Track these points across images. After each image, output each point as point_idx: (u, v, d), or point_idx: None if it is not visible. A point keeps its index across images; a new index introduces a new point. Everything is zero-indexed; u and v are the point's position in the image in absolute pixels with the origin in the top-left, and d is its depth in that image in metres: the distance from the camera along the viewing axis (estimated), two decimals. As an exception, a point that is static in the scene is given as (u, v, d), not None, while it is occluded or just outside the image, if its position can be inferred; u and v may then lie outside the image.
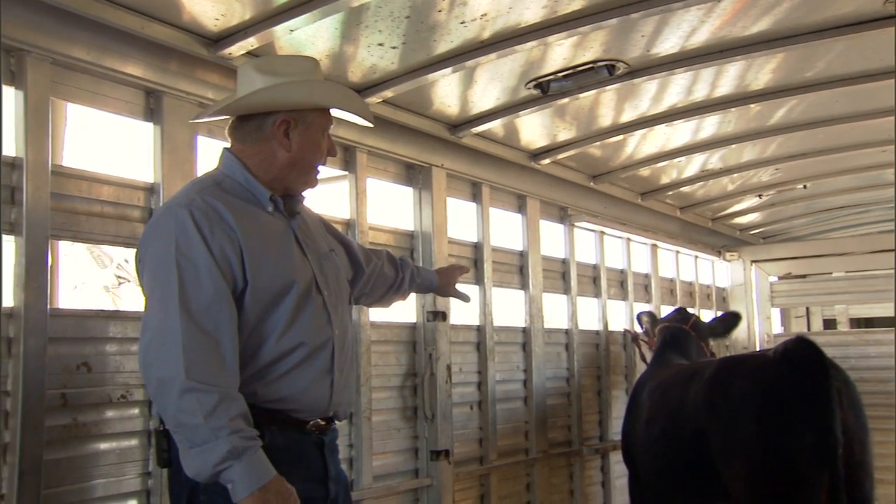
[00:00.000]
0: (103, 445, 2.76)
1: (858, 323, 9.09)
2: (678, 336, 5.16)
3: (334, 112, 2.43)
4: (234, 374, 2.06)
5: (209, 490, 2.03)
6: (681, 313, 5.41)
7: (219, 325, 2.06)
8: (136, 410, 2.86)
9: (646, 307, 6.23)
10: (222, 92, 3.18)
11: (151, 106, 3.00)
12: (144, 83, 2.94)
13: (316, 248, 2.41)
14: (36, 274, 2.55)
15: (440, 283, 3.12)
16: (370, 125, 2.69)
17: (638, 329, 5.83)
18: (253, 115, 2.30)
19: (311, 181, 2.41)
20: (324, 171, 4.15)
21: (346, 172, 3.90)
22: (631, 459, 4.76)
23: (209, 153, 3.25)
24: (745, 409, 3.87)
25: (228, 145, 2.37)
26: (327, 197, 4.28)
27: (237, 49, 3.06)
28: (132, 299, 5.80)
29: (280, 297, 2.19)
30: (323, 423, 2.31)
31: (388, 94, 3.68)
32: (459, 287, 3.23)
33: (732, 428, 3.88)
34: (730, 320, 5.57)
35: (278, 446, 2.08)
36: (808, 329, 8.61)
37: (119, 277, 5.64)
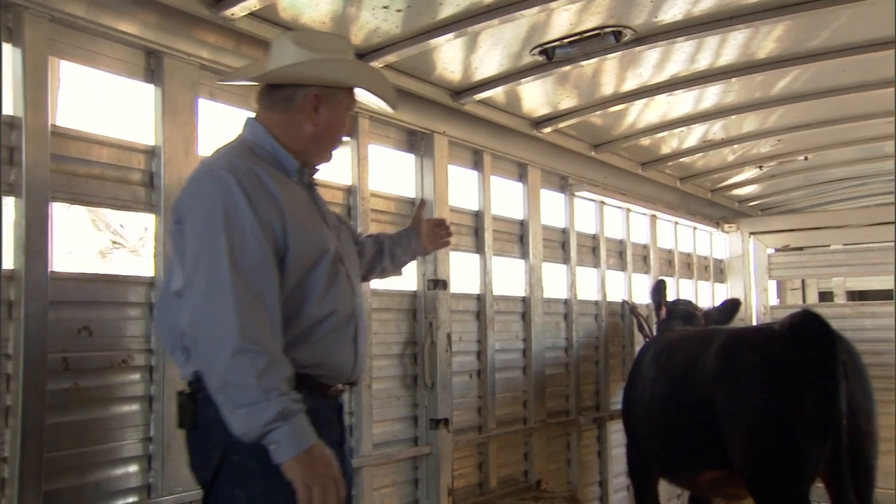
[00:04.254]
0: (104, 410, 2.75)
1: (854, 295, 9.12)
2: (688, 314, 5.37)
3: (359, 95, 2.45)
4: (279, 338, 2.09)
5: (242, 451, 2.06)
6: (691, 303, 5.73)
7: (266, 289, 2.08)
8: (137, 375, 2.85)
9: (644, 278, 6.24)
10: (224, 54, 3.14)
11: (152, 67, 2.95)
12: (145, 43, 2.88)
13: (332, 221, 2.45)
14: (36, 236, 2.51)
15: (425, 249, 3.05)
16: (392, 111, 2.74)
17: (638, 300, 5.86)
18: (285, 85, 2.32)
19: (329, 156, 2.46)
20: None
21: (347, 138, 3.86)
22: (632, 423, 4.80)
23: (210, 116, 3.22)
24: (751, 381, 3.90)
25: (253, 115, 2.39)
26: (330, 163, 4.24)
27: (239, 10, 3.00)
28: (126, 264, 5.77)
29: (316, 265, 2.23)
30: (342, 388, 2.36)
31: (391, 58, 3.62)
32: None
33: (738, 399, 3.92)
34: (731, 309, 5.69)
35: (308, 410, 2.08)
36: (804, 301, 8.64)
37: (115, 242, 5.59)
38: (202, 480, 2.22)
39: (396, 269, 3.01)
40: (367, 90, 2.44)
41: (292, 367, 2.08)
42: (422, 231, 3.00)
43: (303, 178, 2.35)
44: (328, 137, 2.39)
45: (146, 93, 2.98)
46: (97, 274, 2.88)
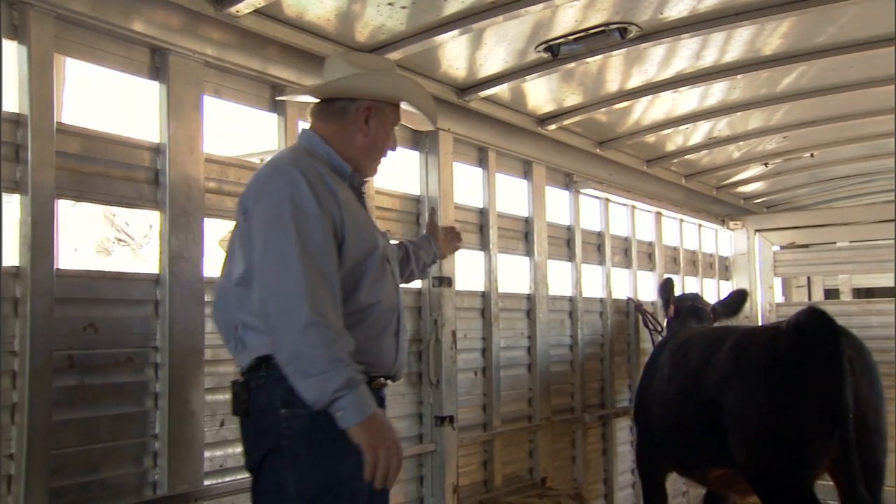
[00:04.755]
0: (110, 407, 2.75)
1: (860, 293, 9.09)
2: (698, 310, 5.41)
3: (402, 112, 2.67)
4: (341, 315, 2.25)
5: (291, 437, 2.26)
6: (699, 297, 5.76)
7: (329, 270, 2.25)
8: (143, 372, 2.85)
9: (650, 275, 6.23)
10: (229, 51, 3.14)
11: (157, 64, 2.95)
12: (150, 40, 2.88)
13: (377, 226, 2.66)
14: (42, 233, 2.51)
15: (442, 253, 3.34)
16: (432, 128, 2.97)
17: (644, 298, 5.85)
18: (338, 99, 2.54)
19: (376, 168, 2.68)
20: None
21: (392, 152, 3.84)
22: (644, 418, 4.81)
23: (215, 113, 3.22)
24: (757, 379, 3.91)
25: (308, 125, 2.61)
26: (375, 175, 4.24)
27: (244, 7, 3.00)
28: (132, 261, 5.78)
29: (366, 258, 2.41)
30: (383, 381, 2.53)
31: (396, 55, 3.61)
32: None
33: (744, 396, 3.92)
34: (738, 300, 5.73)
35: None
36: (810, 299, 8.61)
37: (120, 240, 5.60)
38: (251, 465, 2.38)
39: (422, 273, 3.25)
40: (413, 105, 2.65)
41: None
42: (438, 236, 3.25)
43: (354, 181, 2.53)
44: (377, 148, 2.60)
45: (151, 90, 2.98)
46: (103, 271, 2.88)
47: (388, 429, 2.20)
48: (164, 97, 2.94)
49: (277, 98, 3.30)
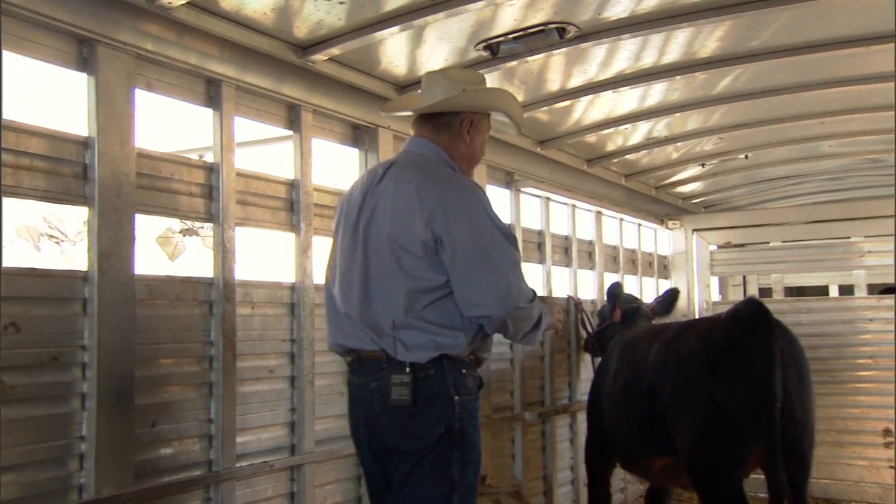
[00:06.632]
0: (34, 409, 2.66)
1: (792, 291, 9.33)
2: (644, 311, 5.57)
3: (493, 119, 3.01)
4: None
5: (463, 420, 2.67)
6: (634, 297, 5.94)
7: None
8: (68, 373, 2.77)
9: (590, 274, 6.29)
10: (161, 43, 3.06)
11: (84, 55, 2.86)
12: (77, 30, 2.79)
13: None
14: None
15: None
16: (517, 133, 3.28)
17: (585, 296, 5.91)
18: (444, 113, 2.87)
19: (471, 172, 3.02)
20: (267, 131, 4.09)
21: (290, 132, 3.80)
22: (594, 413, 4.88)
23: (146, 106, 3.14)
24: (693, 366, 4.02)
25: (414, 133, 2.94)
26: (271, 157, 4.19)
27: (175, -1, 2.93)
28: (60, 258, 5.61)
29: None
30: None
31: (335, 51, 3.58)
32: None
33: (680, 384, 4.03)
34: (671, 298, 5.84)
35: (480, 385, 2.81)
36: (745, 297, 8.79)
37: (51, 236, 5.43)
38: (414, 448, 2.66)
39: None
40: (507, 114, 2.98)
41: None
42: None
43: None
44: (474, 155, 2.95)
45: (80, 82, 2.89)
46: (27, 268, 2.77)
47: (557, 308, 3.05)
48: (92, 90, 2.86)
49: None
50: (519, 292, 2.66)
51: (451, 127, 2.86)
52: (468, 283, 2.62)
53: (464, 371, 2.71)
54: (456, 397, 2.67)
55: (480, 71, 3.96)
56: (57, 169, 2.77)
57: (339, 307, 2.84)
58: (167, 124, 4.32)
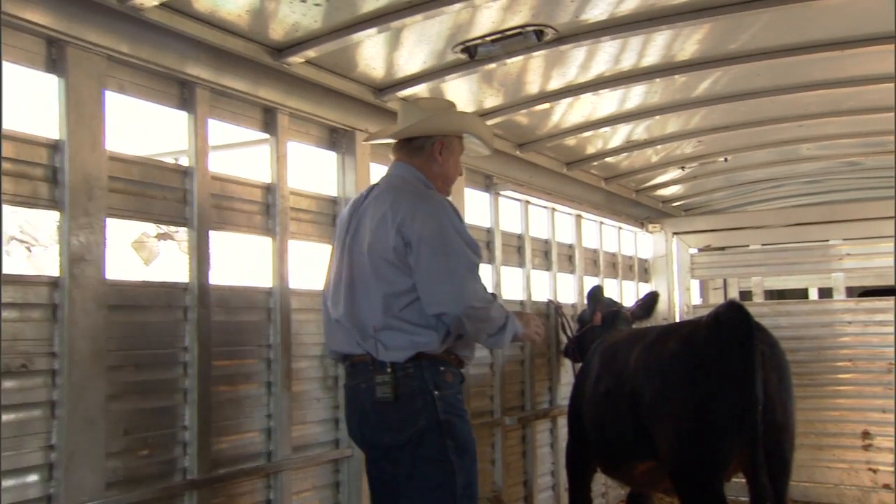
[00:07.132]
0: (2, 417, 2.60)
1: (773, 295, 9.37)
2: (624, 315, 5.57)
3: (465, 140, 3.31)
4: None
5: (449, 412, 2.95)
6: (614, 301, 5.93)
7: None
8: (37, 380, 2.71)
9: (570, 278, 6.28)
10: (133, 44, 3.02)
11: (53, 56, 2.81)
12: (46, 31, 2.74)
13: None
14: (-76, 234, 2.37)
15: None
16: (488, 153, 3.59)
17: (565, 300, 5.89)
18: (416, 137, 3.19)
19: (448, 191, 3.30)
20: (243, 134, 4.05)
21: (266, 135, 3.76)
22: (576, 418, 4.86)
23: (120, 110, 3.10)
24: (674, 370, 4.01)
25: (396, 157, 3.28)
26: (247, 160, 4.14)
27: (147, 0, 2.88)
28: (28, 264, 5.53)
29: None
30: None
31: (311, 53, 3.54)
32: None
33: (662, 388, 4.03)
34: (650, 302, 5.84)
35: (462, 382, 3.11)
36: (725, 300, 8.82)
37: (22, 241, 5.34)
38: (398, 441, 2.95)
39: None
40: (475, 135, 3.30)
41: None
42: None
43: None
44: (448, 175, 3.26)
45: (49, 84, 2.83)
46: (-7, 274, 2.71)
47: (534, 322, 3.30)
48: (62, 91, 2.81)
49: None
50: (473, 293, 2.94)
51: (424, 150, 3.18)
52: (428, 283, 2.89)
53: (442, 368, 2.98)
54: (436, 392, 2.93)
55: (458, 74, 3.99)
56: (27, 172, 2.72)
57: (331, 314, 3.15)
58: (142, 127, 4.27)
